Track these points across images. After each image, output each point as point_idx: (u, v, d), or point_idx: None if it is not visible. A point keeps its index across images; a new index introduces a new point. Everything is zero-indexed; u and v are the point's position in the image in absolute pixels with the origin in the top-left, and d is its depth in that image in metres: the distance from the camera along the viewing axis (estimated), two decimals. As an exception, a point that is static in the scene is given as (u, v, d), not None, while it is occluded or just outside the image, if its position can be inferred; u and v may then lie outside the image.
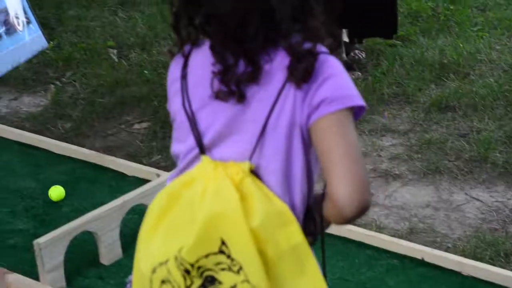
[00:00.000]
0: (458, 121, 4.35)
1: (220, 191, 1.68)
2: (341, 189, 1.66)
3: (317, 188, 1.80)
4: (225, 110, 1.73)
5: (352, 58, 5.02)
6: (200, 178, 1.72)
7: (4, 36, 5.25)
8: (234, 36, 1.70)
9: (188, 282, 1.70)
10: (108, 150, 4.14)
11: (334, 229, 3.33)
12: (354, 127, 1.71)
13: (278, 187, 1.73)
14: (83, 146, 4.13)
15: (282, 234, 1.70)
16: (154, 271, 1.72)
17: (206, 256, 1.68)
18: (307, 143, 1.73)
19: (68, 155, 4.01)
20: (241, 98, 1.71)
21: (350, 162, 1.67)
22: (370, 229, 3.43)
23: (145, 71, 5.05)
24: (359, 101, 1.71)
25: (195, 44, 1.78)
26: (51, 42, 5.50)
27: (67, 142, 4.20)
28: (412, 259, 3.22)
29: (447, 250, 3.34)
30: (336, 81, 1.70)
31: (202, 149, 1.75)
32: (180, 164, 1.81)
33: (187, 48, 1.80)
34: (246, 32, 1.69)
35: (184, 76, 1.78)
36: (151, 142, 4.25)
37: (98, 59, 5.25)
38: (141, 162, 3.98)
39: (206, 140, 1.75)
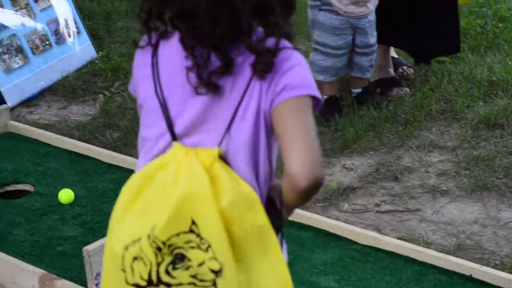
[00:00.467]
0: (506, 138, 4.32)
1: (191, 174, 1.81)
2: (294, 160, 1.79)
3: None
4: (197, 100, 1.87)
5: (401, 74, 5.01)
6: (172, 162, 1.85)
7: (55, 46, 5.32)
8: (204, 32, 1.82)
9: (159, 259, 1.81)
10: (155, 160, 4.16)
11: (381, 243, 3.34)
12: (311, 113, 1.85)
13: (246, 172, 1.86)
14: (130, 155, 4.16)
15: (248, 215, 1.82)
16: (126, 248, 1.83)
17: (177, 234, 1.80)
18: (270, 131, 1.87)
19: (116, 164, 4.04)
20: (216, 89, 1.85)
21: (304, 138, 1.80)
22: (418, 244, 3.42)
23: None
24: (317, 93, 1.86)
25: (163, 36, 1.91)
26: (100, 52, 5.56)
27: (115, 151, 4.23)
28: (460, 276, 3.21)
29: (494, 267, 3.32)
30: (298, 71, 1.85)
31: (174, 136, 1.88)
32: (151, 150, 1.92)
33: (154, 38, 1.92)
34: (216, 30, 1.81)
35: (154, 64, 1.91)
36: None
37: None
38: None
39: (178, 127, 1.89)
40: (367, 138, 4.38)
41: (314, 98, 1.87)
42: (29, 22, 5.25)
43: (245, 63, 1.85)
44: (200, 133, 1.89)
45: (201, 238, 1.80)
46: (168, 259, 1.82)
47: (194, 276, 1.83)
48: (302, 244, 3.42)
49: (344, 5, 4.45)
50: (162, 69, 1.91)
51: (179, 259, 1.83)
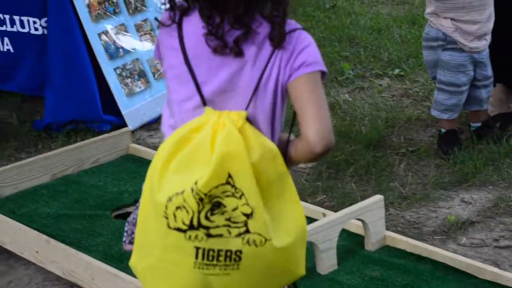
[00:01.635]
0: None
1: (228, 135, 2.09)
2: (312, 129, 2.10)
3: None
4: (224, 69, 2.16)
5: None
6: (207, 124, 2.12)
7: (154, 82, 5.41)
8: (219, 3, 2.11)
9: (200, 207, 2.09)
10: (273, 187, 4.21)
11: (501, 279, 3.29)
12: (322, 86, 2.15)
13: (266, 132, 2.15)
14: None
15: (272, 165, 2.12)
16: (170, 199, 2.10)
17: (216, 186, 2.08)
18: (284, 99, 2.17)
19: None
20: (239, 53, 2.13)
21: (319, 108, 2.11)
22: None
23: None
24: (325, 68, 2.15)
25: (185, 13, 2.19)
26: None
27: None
28: None
29: None
30: (312, 49, 2.14)
31: (204, 101, 2.16)
32: (179, 111, 2.22)
33: (177, 16, 2.19)
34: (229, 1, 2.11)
35: (180, 39, 2.18)
36: (316, 181, 4.30)
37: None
38: (305, 201, 4.03)
39: (206, 93, 2.17)
40: (486, 172, 4.34)
41: (322, 72, 2.15)
42: (152, 48, 5.39)
43: (266, 36, 2.13)
44: (226, 100, 2.17)
45: (236, 188, 2.08)
46: (207, 206, 2.09)
47: (228, 219, 2.10)
48: (419, 276, 3.40)
49: (469, 41, 4.44)
50: (188, 43, 2.18)
51: (217, 206, 2.10)
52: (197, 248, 2.14)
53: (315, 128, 2.10)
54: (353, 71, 5.84)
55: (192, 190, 2.09)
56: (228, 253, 2.13)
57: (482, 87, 4.58)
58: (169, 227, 2.12)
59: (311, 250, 3.40)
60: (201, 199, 2.08)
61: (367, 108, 5.20)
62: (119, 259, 3.52)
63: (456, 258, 3.46)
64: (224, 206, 2.10)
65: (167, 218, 2.13)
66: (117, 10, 5.18)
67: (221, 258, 2.14)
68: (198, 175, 2.09)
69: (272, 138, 2.18)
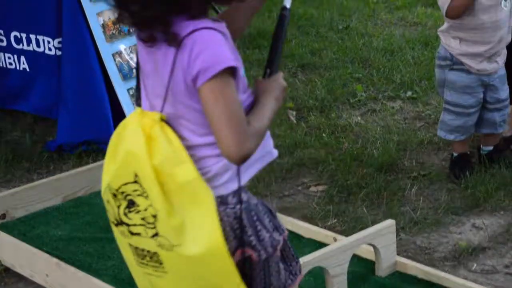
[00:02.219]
0: None
1: (132, 134, 2.17)
2: (223, 143, 2.09)
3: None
4: (150, 72, 2.21)
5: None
6: (129, 123, 2.22)
7: None
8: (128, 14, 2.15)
9: (118, 203, 2.20)
10: (283, 211, 4.21)
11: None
12: (230, 87, 2.09)
13: (201, 132, 2.17)
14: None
15: (179, 170, 2.13)
16: (103, 193, 2.26)
17: (125, 184, 2.17)
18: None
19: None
20: (151, 39, 2.14)
21: (227, 121, 2.07)
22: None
23: (323, 134, 5.13)
24: (228, 63, 2.07)
25: None
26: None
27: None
28: None
29: None
30: (208, 53, 2.07)
31: (138, 102, 2.27)
32: None
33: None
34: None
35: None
36: (327, 205, 4.29)
37: (278, 120, 5.37)
38: (316, 225, 4.02)
39: (143, 94, 2.26)
40: (498, 197, 4.32)
41: (230, 68, 2.08)
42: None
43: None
44: (153, 100, 2.22)
45: (143, 188, 2.15)
46: (124, 203, 2.19)
47: (143, 219, 2.17)
48: (430, 303, 3.40)
49: (477, 63, 4.43)
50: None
51: (131, 204, 2.19)
52: (130, 245, 2.26)
53: (226, 144, 2.09)
54: (365, 93, 5.84)
55: (108, 185, 2.23)
56: (150, 254, 2.22)
57: (494, 110, 4.57)
58: (110, 220, 2.29)
59: (322, 275, 3.39)
60: (114, 195, 2.20)
61: (379, 131, 5.20)
62: (129, 283, 3.50)
63: (467, 285, 3.44)
64: (137, 205, 2.17)
65: (107, 211, 2.29)
66: (131, 30, 5.18)
67: (147, 259, 2.23)
68: (109, 171, 2.23)
69: (210, 138, 2.16)
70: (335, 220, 4.16)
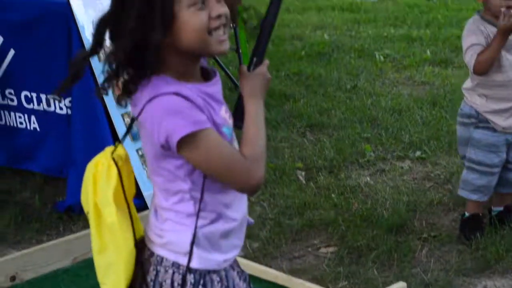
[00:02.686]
0: None
1: (89, 168, 2.25)
2: (235, 188, 2.18)
3: None
4: None
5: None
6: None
7: None
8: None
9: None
10: (293, 273, 4.19)
11: None
12: (205, 140, 2.12)
13: (158, 187, 2.27)
14: (269, 266, 4.20)
15: (106, 211, 2.22)
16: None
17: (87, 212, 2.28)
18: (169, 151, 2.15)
19: (257, 275, 4.08)
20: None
21: (224, 171, 2.14)
22: None
23: (333, 195, 5.13)
24: (184, 131, 2.09)
25: None
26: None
27: (254, 261, 4.28)
28: None
29: None
30: (166, 124, 2.10)
31: (117, 140, 2.32)
32: None
33: None
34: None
35: None
36: (338, 267, 4.27)
37: (287, 180, 5.37)
38: (327, 287, 4.00)
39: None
40: (508, 259, 4.30)
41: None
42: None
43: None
44: None
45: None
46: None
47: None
48: None
49: (503, 120, 4.43)
50: None
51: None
52: None
53: (236, 187, 2.18)
54: (374, 153, 5.85)
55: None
56: None
57: None
58: None
59: None
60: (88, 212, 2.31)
61: (388, 191, 5.19)
62: None
63: None
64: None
65: None
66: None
67: None
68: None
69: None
70: (346, 282, 4.13)
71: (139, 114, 2.16)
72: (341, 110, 6.75)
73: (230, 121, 2.31)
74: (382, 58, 8.26)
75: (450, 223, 4.78)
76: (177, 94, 2.14)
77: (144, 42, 2.14)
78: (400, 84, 7.51)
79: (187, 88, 2.17)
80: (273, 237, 4.60)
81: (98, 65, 4.95)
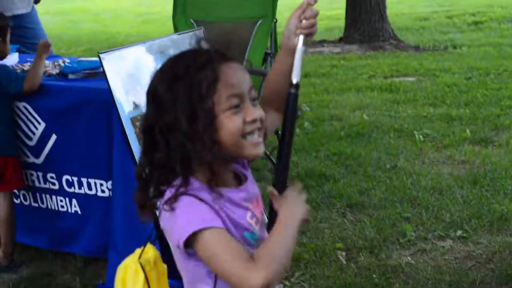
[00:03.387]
0: None
1: (118, 271, 2.41)
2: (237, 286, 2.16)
3: None
4: None
5: None
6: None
7: None
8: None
9: None
10: None
11: None
12: (210, 242, 2.16)
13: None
14: None
15: None
16: None
17: None
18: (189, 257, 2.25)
19: None
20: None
21: (219, 271, 2.17)
22: None
23: (374, 275, 5.09)
24: (189, 230, 2.15)
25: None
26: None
27: None
28: None
29: None
30: (174, 228, 2.21)
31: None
32: None
33: None
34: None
35: None
36: None
37: (327, 261, 5.35)
38: None
39: None
40: None
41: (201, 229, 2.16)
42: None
43: None
44: None
45: None
46: None
47: None
48: None
49: None
50: None
51: None
52: None
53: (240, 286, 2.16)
54: (415, 232, 5.81)
55: None
56: None
57: None
58: None
59: None
60: None
61: (430, 271, 5.14)
62: None
63: None
64: None
65: None
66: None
67: None
68: None
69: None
70: None
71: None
72: (381, 190, 6.73)
73: (257, 227, 2.32)
74: (421, 137, 8.26)
75: (492, 303, 4.72)
76: (194, 195, 2.21)
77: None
78: (440, 164, 7.48)
79: (207, 193, 2.23)
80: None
81: (138, 149, 5.02)
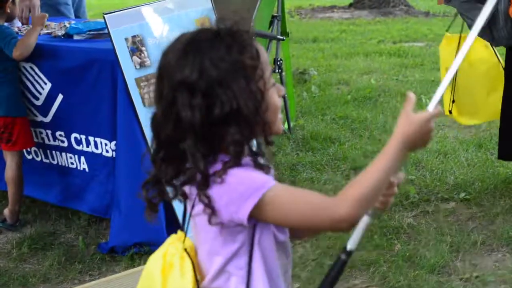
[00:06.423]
0: None
1: (157, 259, 2.27)
2: (327, 227, 2.10)
3: None
4: None
5: None
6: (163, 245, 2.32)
7: None
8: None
9: None
10: (334, 313, 4.17)
11: None
12: (283, 195, 2.08)
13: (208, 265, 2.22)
14: (311, 307, 4.19)
15: None
16: None
17: None
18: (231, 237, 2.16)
19: (295, 315, 4.09)
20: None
21: (313, 213, 2.06)
22: None
23: (375, 236, 5.11)
24: (259, 194, 2.06)
25: None
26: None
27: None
28: None
29: None
30: (229, 199, 2.09)
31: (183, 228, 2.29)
32: None
33: None
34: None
35: None
36: (378, 307, 4.26)
37: (329, 222, 5.35)
38: (367, 328, 3.99)
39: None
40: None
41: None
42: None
43: None
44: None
45: None
46: None
47: None
48: None
49: None
50: None
51: None
52: None
53: (326, 227, 2.10)
54: (418, 194, 5.82)
55: None
56: None
57: None
58: None
59: None
60: None
61: (431, 232, 5.16)
62: None
63: None
64: None
65: None
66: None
67: None
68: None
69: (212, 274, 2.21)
70: (387, 324, 4.11)
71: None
72: (386, 153, 6.72)
73: None
74: (428, 102, 8.22)
75: (493, 263, 4.73)
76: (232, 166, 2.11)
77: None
78: (446, 127, 7.48)
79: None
80: (314, 277, 4.59)
81: (142, 110, 5.05)
